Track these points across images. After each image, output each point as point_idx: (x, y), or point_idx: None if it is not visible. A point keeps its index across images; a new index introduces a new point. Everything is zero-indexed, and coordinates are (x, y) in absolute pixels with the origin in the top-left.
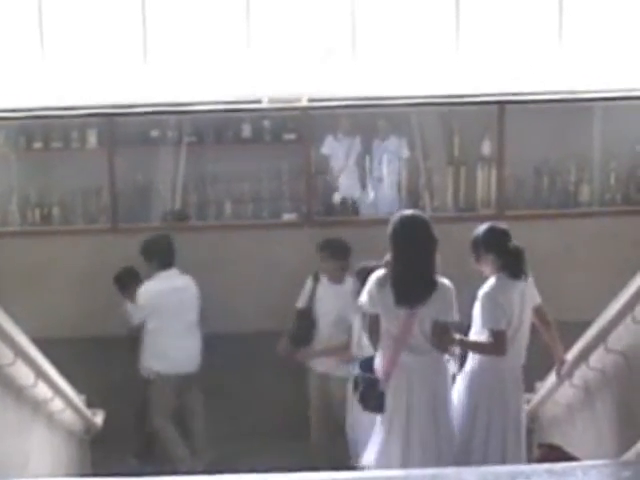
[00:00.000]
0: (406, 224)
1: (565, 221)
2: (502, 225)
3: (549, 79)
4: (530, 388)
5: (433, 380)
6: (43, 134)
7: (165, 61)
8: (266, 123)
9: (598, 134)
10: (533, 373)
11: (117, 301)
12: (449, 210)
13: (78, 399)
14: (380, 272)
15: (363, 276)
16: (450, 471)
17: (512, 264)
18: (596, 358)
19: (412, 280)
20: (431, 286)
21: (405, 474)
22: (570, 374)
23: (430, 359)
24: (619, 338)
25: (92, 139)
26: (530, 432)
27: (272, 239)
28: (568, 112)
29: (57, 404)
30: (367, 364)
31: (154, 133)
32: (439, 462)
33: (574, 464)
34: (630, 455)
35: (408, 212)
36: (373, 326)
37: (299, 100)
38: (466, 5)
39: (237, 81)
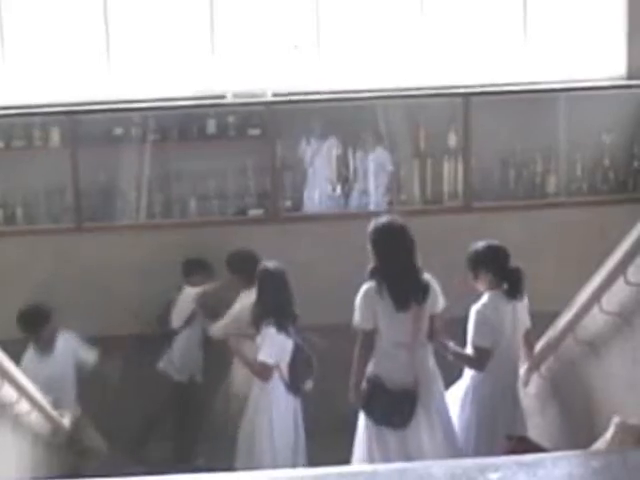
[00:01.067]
0: (387, 231)
1: (532, 212)
2: (500, 244)
3: (514, 71)
4: None
5: (433, 375)
6: (5, 133)
7: (128, 57)
8: (230, 119)
9: (563, 125)
10: None
11: (81, 301)
12: (416, 203)
13: (44, 401)
14: (369, 285)
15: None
16: (418, 465)
17: (512, 283)
18: (565, 348)
19: (409, 283)
20: (425, 286)
21: (373, 469)
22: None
23: (427, 354)
24: (587, 328)
25: (55, 138)
26: None
27: (238, 235)
28: (533, 103)
29: (23, 406)
30: (376, 382)
31: (118, 131)
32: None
33: (543, 455)
34: (599, 445)
35: (384, 219)
36: (368, 343)
37: (264, 95)
38: None
39: (201, 76)
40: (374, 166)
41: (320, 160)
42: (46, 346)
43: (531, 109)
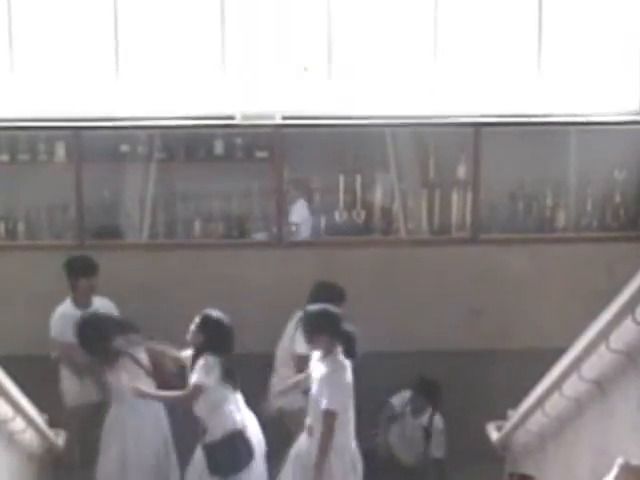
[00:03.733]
0: (216, 322)
1: (540, 246)
2: (335, 308)
3: (526, 103)
4: (502, 416)
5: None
6: (9, 146)
7: (137, 75)
8: (238, 140)
9: (575, 159)
10: (505, 400)
11: None
12: (423, 233)
13: (40, 419)
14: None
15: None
16: None
17: (346, 346)
18: (569, 386)
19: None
20: None
21: None
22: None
23: None
24: (593, 366)
25: (60, 152)
26: (502, 461)
27: (242, 259)
28: (545, 136)
29: (18, 424)
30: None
31: (124, 148)
32: None
33: None
34: None
35: (211, 312)
36: None
37: (273, 117)
38: (445, 26)
39: (210, 97)
40: (381, 194)
41: (327, 185)
42: (84, 300)
43: (542, 142)
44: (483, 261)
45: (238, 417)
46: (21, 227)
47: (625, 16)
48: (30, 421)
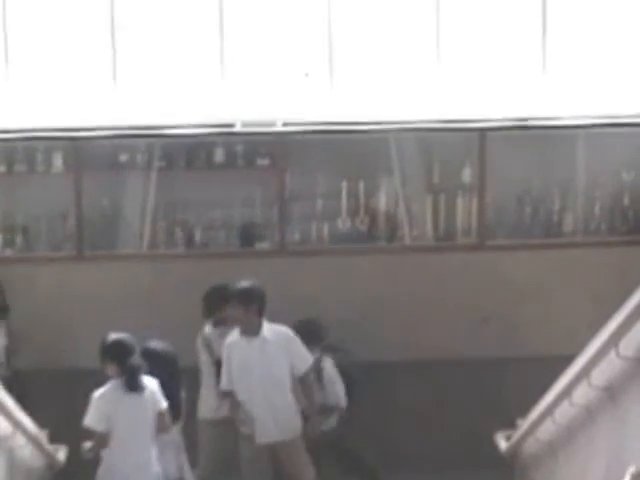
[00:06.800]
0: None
1: (548, 251)
2: (128, 338)
3: (532, 105)
4: (511, 424)
5: None
6: (7, 157)
7: (136, 83)
8: (239, 148)
9: (582, 162)
10: (514, 409)
11: (80, 332)
12: (428, 239)
13: (40, 434)
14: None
15: None
16: None
17: (127, 377)
18: (579, 394)
19: None
20: None
21: None
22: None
23: None
24: (603, 373)
25: (58, 163)
26: (511, 469)
27: (244, 268)
28: (551, 139)
29: (18, 439)
30: None
31: (123, 157)
32: None
33: None
34: None
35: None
36: None
37: (274, 124)
38: (447, 30)
39: (210, 104)
40: (385, 200)
41: (330, 193)
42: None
43: (549, 145)
44: (490, 267)
45: None
46: (19, 238)
47: (631, 16)
48: (30, 437)
